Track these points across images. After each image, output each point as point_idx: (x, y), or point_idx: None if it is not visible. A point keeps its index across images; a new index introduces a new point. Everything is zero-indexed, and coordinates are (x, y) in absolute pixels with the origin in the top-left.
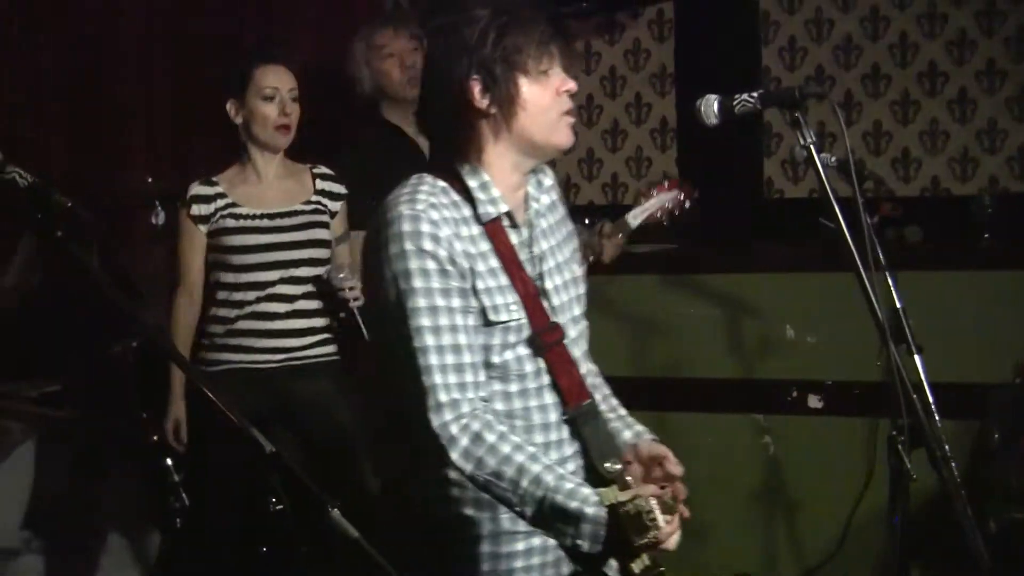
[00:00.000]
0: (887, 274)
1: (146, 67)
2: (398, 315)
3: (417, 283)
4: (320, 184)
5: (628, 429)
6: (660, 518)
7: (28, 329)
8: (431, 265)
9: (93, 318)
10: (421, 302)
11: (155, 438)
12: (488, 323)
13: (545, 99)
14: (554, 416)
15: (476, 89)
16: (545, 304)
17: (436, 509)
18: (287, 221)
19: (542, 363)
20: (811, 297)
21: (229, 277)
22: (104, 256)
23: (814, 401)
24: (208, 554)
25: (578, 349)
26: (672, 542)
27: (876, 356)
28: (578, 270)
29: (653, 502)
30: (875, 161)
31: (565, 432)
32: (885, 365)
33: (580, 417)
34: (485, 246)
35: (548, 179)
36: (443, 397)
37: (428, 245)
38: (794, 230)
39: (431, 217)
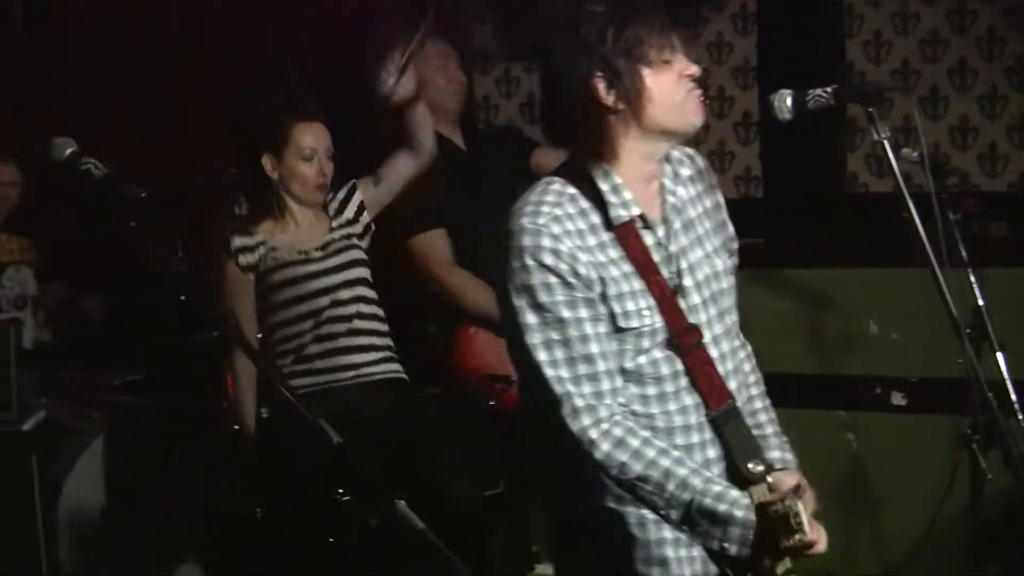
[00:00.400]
0: (969, 271)
1: (231, 60)
2: (523, 328)
3: (542, 297)
4: (337, 219)
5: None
6: (806, 521)
7: (109, 319)
8: (553, 279)
9: (174, 308)
10: (548, 316)
11: (236, 427)
12: (619, 329)
13: (669, 87)
14: (695, 418)
15: (601, 87)
16: (683, 304)
17: (583, 501)
18: (323, 252)
19: (680, 364)
20: (895, 293)
21: (284, 313)
22: (186, 249)
23: (897, 398)
24: (276, 544)
25: (719, 348)
26: (821, 545)
27: (959, 353)
28: (721, 263)
29: (800, 504)
30: (961, 156)
31: (708, 433)
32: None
33: (721, 418)
34: (615, 252)
35: (687, 169)
36: (579, 403)
37: (549, 260)
38: (878, 225)
39: (552, 231)
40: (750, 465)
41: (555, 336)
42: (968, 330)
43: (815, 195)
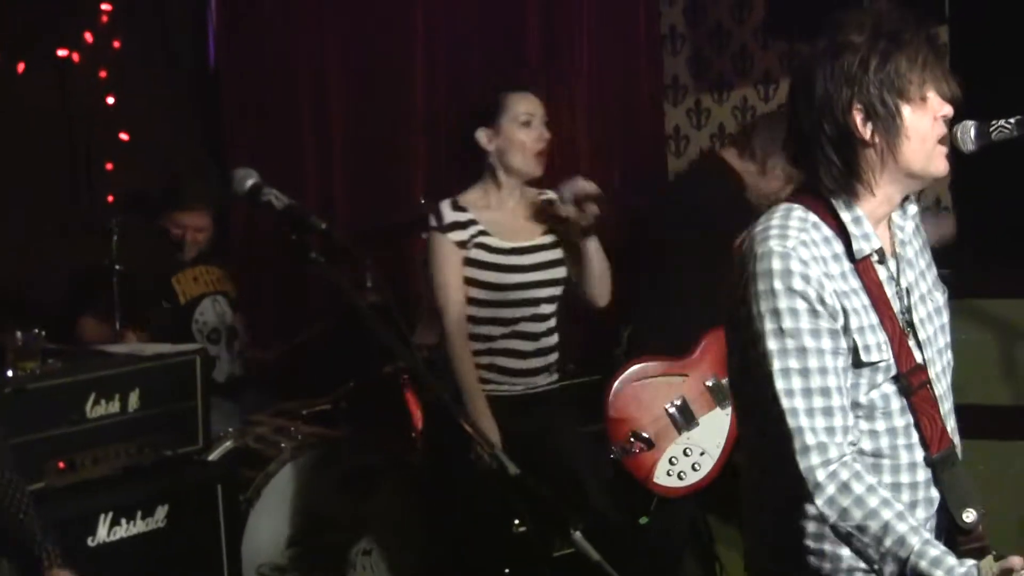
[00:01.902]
0: None
1: (428, 93)
2: (764, 353)
3: (787, 323)
4: (549, 213)
5: None
6: None
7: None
8: (801, 305)
9: (365, 339)
10: (790, 343)
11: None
12: (859, 364)
13: (925, 126)
14: (920, 455)
15: (859, 118)
16: (911, 341)
17: (791, 539)
18: (533, 258)
19: (907, 409)
20: None
21: (473, 310)
22: (376, 280)
23: None
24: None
25: (940, 386)
26: None
27: None
28: (940, 299)
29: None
30: None
31: (928, 473)
32: None
33: (940, 463)
34: (855, 283)
35: (912, 206)
36: (810, 440)
37: (798, 284)
38: None
39: (801, 256)
40: (964, 514)
41: (795, 365)
42: None
43: (1009, 223)
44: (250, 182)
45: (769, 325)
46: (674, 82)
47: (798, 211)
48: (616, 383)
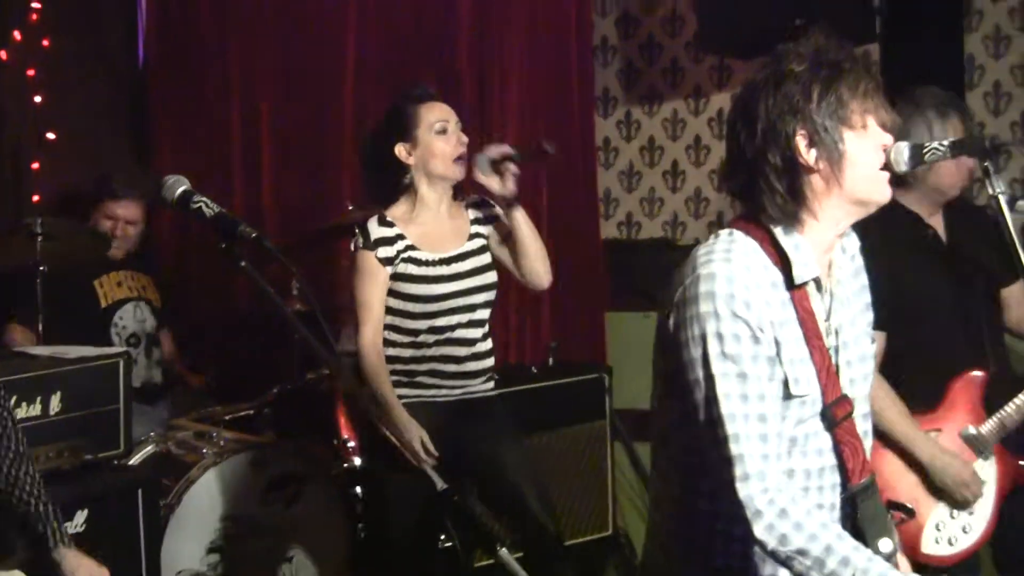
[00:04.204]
0: None
1: (358, 99)
2: (703, 377)
3: (729, 348)
4: (473, 214)
5: None
6: None
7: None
8: (743, 331)
9: (289, 345)
10: (731, 367)
11: (345, 466)
12: (788, 396)
13: (868, 152)
14: (829, 498)
15: (803, 145)
16: (837, 375)
17: (715, 559)
18: (463, 265)
19: (829, 441)
20: None
21: (408, 323)
22: (302, 288)
23: None
24: None
25: (862, 426)
26: None
27: None
28: (870, 346)
29: None
30: None
31: (838, 513)
32: None
33: (861, 493)
34: (790, 313)
35: (853, 244)
36: (751, 467)
37: (741, 310)
38: None
39: (745, 282)
40: (880, 544)
41: (736, 390)
42: None
43: None
44: (180, 189)
45: (713, 348)
46: (604, 94)
47: (740, 235)
48: None
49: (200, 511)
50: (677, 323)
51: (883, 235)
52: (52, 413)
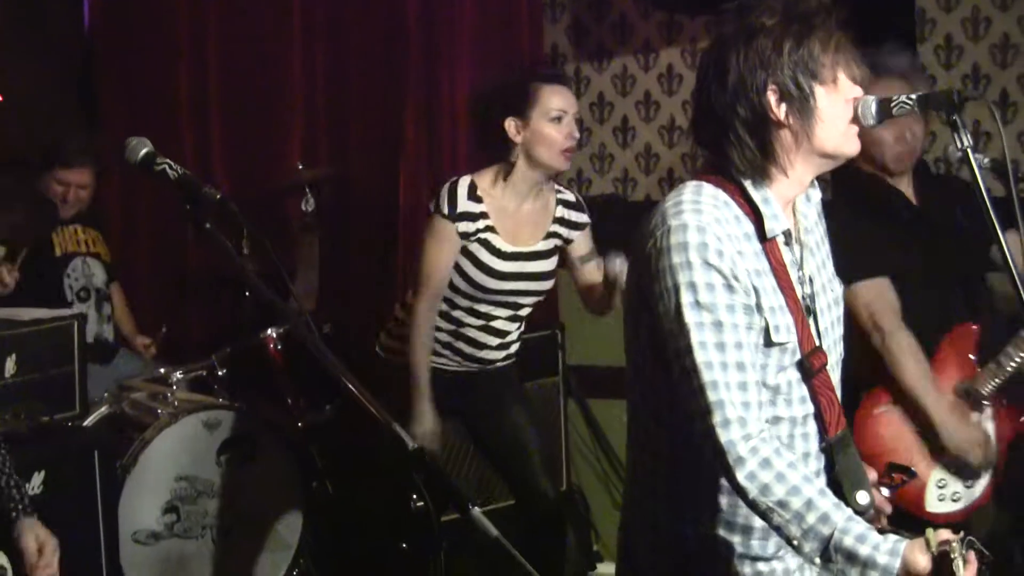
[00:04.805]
0: None
1: (307, 59)
2: (678, 327)
3: (703, 297)
4: (560, 212)
5: None
6: (962, 567)
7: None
8: (717, 279)
9: (241, 306)
10: (706, 316)
11: (300, 425)
12: (768, 343)
13: (838, 107)
14: (813, 446)
15: (773, 100)
16: (812, 326)
17: (683, 528)
18: (528, 266)
19: (806, 390)
20: None
21: (453, 297)
22: (255, 246)
23: None
24: (351, 545)
25: (835, 376)
26: None
27: None
28: (839, 290)
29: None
30: None
31: (821, 462)
32: None
33: (837, 444)
34: (764, 263)
35: (816, 193)
36: (731, 414)
37: (714, 259)
38: None
39: (716, 232)
40: (858, 496)
41: (711, 338)
42: None
43: None
44: (144, 151)
45: (686, 298)
46: (553, 50)
47: (708, 188)
48: (856, 419)
49: (156, 471)
50: (650, 276)
51: (851, 203)
52: (7, 376)
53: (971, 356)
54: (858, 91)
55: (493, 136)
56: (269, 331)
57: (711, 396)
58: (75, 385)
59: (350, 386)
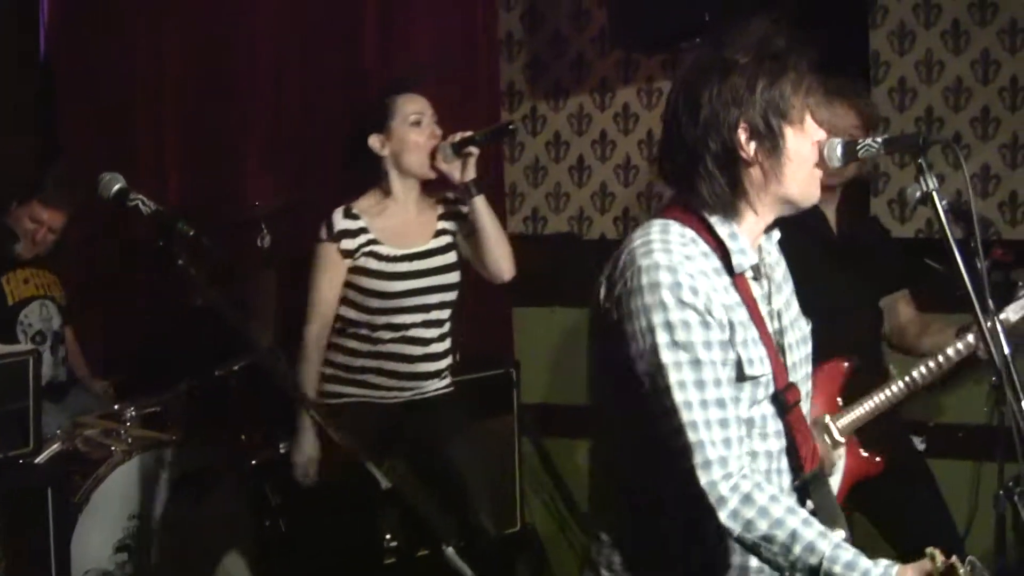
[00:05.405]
0: (996, 319)
1: (265, 95)
2: (655, 367)
3: (680, 336)
4: (443, 208)
5: None
6: None
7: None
8: (693, 317)
9: (196, 343)
10: (684, 355)
11: (254, 462)
12: (742, 377)
13: (805, 149)
14: (787, 482)
15: (743, 137)
16: (783, 361)
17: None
18: (426, 263)
19: (781, 425)
20: None
21: (363, 317)
22: (218, 282)
23: (917, 443)
24: None
25: (805, 410)
26: None
27: (984, 401)
28: (806, 328)
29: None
30: (983, 204)
31: (794, 499)
32: (997, 411)
33: (812, 481)
34: (736, 297)
35: (776, 232)
36: (711, 454)
37: (688, 297)
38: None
39: (688, 269)
40: (835, 533)
41: (691, 377)
42: (993, 379)
43: None
44: (116, 186)
45: (663, 338)
46: (510, 88)
47: (675, 227)
48: None
49: (109, 509)
50: (620, 317)
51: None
52: None
53: (837, 393)
54: (822, 134)
55: (362, 157)
56: (225, 367)
57: (691, 437)
58: (29, 421)
59: (318, 420)
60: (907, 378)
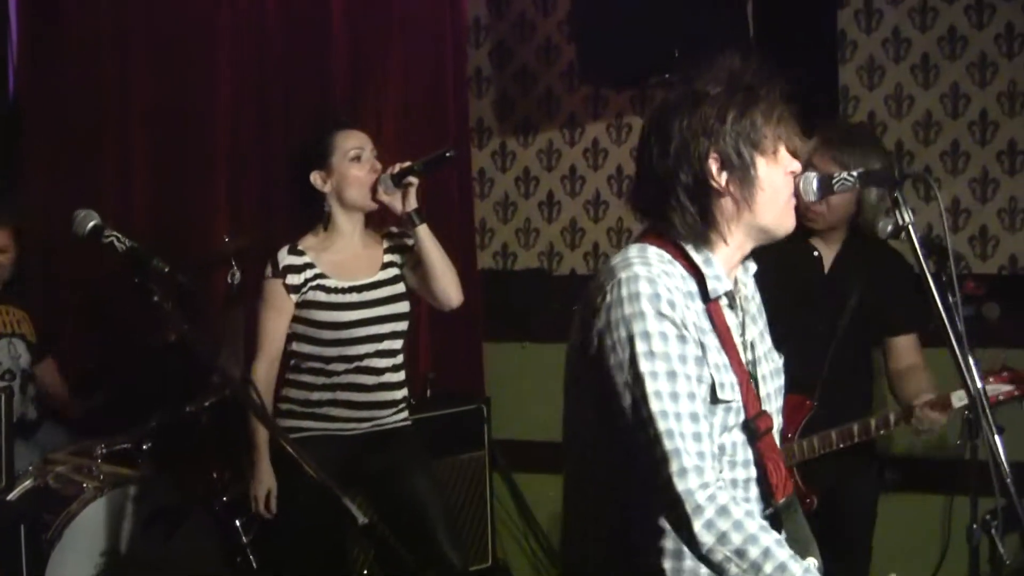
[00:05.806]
0: (968, 352)
1: (232, 129)
2: (632, 377)
3: (657, 346)
4: (388, 243)
5: None
6: None
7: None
8: (670, 329)
9: (166, 379)
10: (660, 366)
11: (225, 499)
12: (715, 400)
13: (778, 179)
14: (758, 511)
15: (715, 167)
16: (755, 391)
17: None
18: (374, 294)
19: (751, 454)
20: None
21: (316, 350)
22: (190, 318)
23: (888, 476)
24: None
25: (777, 440)
26: None
27: (957, 434)
28: (778, 360)
29: None
30: (953, 238)
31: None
32: (970, 444)
33: (784, 510)
34: (708, 323)
35: (753, 265)
36: (688, 462)
37: (666, 309)
38: None
39: (666, 284)
40: (808, 562)
41: (666, 388)
42: (967, 412)
43: None
44: (91, 223)
45: (640, 347)
46: (479, 125)
47: (652, 248)
48: None
49: (81, 546)
50: (601, 330)
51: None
52: None
53: (790, 430)
54: (796, 165)
55: (305, 194)
56: (195, 403)
57: (667, 445)
58: (1, 459)
59: (293, 454)
60: (835, 431)
